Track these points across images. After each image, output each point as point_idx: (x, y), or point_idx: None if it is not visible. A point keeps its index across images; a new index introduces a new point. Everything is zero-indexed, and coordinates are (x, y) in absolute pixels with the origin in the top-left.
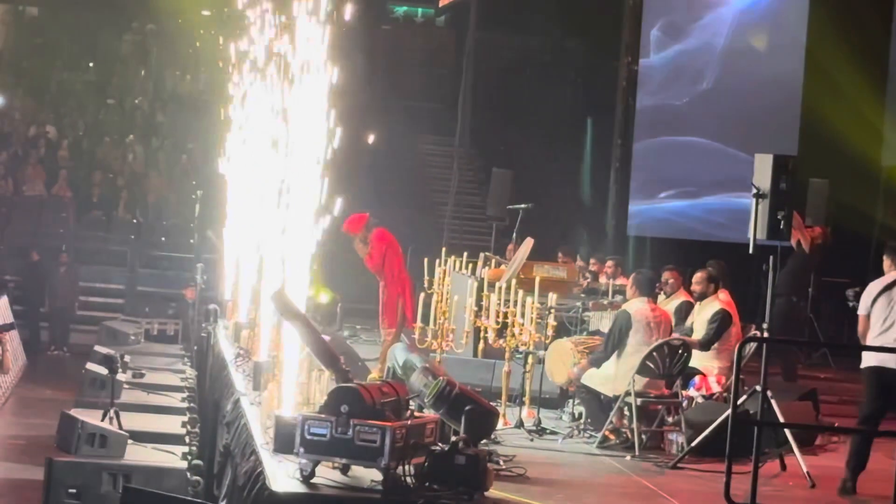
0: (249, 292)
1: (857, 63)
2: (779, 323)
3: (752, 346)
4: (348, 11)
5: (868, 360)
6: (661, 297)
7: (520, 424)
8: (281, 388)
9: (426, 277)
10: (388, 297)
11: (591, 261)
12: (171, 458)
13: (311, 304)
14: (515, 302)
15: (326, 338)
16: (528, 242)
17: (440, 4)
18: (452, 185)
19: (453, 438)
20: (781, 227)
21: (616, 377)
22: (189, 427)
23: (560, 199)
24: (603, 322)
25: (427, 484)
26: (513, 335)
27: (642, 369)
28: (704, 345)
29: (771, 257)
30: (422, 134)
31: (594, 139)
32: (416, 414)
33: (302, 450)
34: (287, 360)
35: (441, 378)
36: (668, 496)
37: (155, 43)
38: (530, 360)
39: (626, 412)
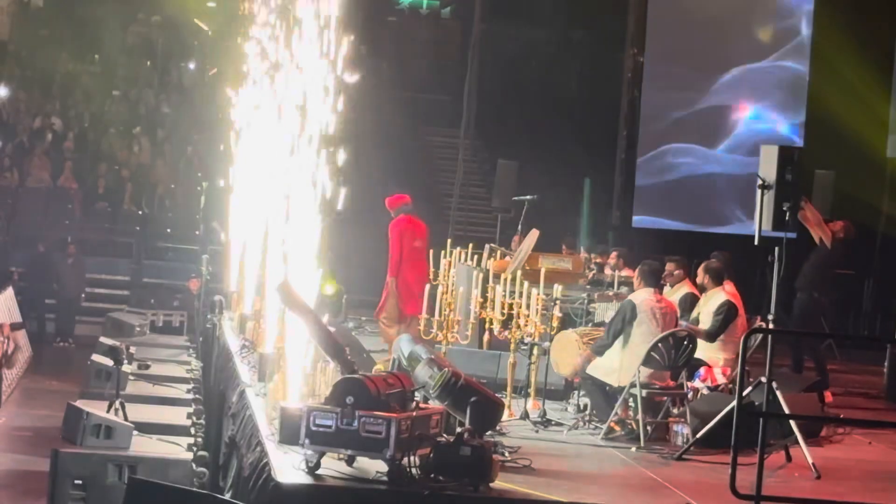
0: (255, 283)
1: (863, 54)
2: (798, 317)
3: (758, 337)
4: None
5: None
6: (667, 288)
7: (525, 416)
8: (286, 379)
9: (431, 269)
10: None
11: (592, 255)
12: (177, 449)
13: (316, 295)
14: (521, 293)
15: (332, 329)
16: (534, 234)
17: None
18: (458, 177)
19: (458, 430)
20: (787, 218)
21: (621, 368)
22: (194, 418)
23: (565, 190)
24: (608, 313)
25: (432, 475)
26: (518, 327)
27: (648, 360)
28: (710, 336)
29: (777, 248)
30: (427, 125)
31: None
32: (422, 405)
33: (307, 441)
34: (292, 351)
35: (446, 369)
36: (673, 487)
37: (160, 34)
38: (535, 351)
39: (632, 403)
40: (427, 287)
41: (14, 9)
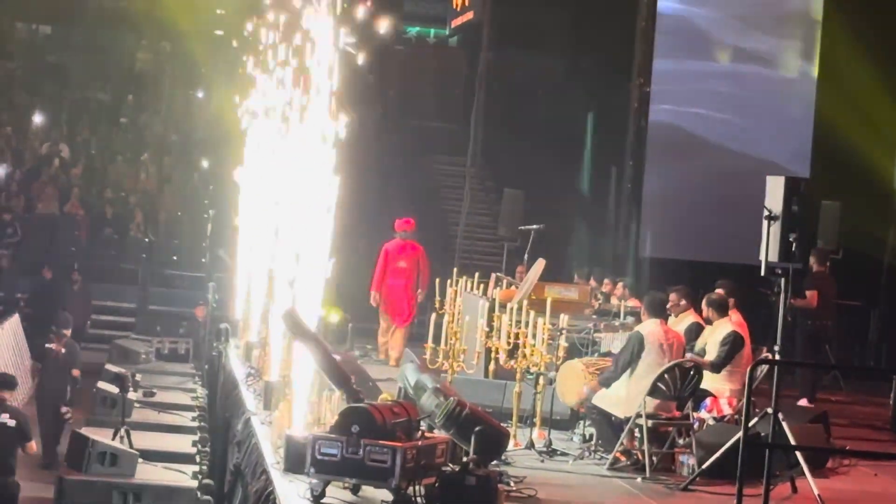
0: (260, 311)
1: (871, 84)
2: (801, 346)
3: (764, 368)
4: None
5: None
6: (671, 318)
7: (530, 445)
8: (292, 407)
9: (437, 298)
10: None
11: (605, 281)
12: (182, 477)
13: (321, 323)
14: (527, 323)
15: (337, 357)
16: (540, 263)
17: (453, 25)
18: (464, 205)
19: (464, 459)
20: (793, 249)
21: (627, 399)
22: (200, 446)
23: (572, 220)
24: (614, 343)
25: None
26: (524, 356)
27: (654, 391)
28: (716, 367)
29: (783, 279)
30: (434, 154)
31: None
32: (427, 434)
33: (312, 470)
34: (298, 379)
35: (452, 398)
36: None
37: (168, 62)
38: (541, 381)
39: (637, 434)
40: (433, 316)
41: (22, 36)
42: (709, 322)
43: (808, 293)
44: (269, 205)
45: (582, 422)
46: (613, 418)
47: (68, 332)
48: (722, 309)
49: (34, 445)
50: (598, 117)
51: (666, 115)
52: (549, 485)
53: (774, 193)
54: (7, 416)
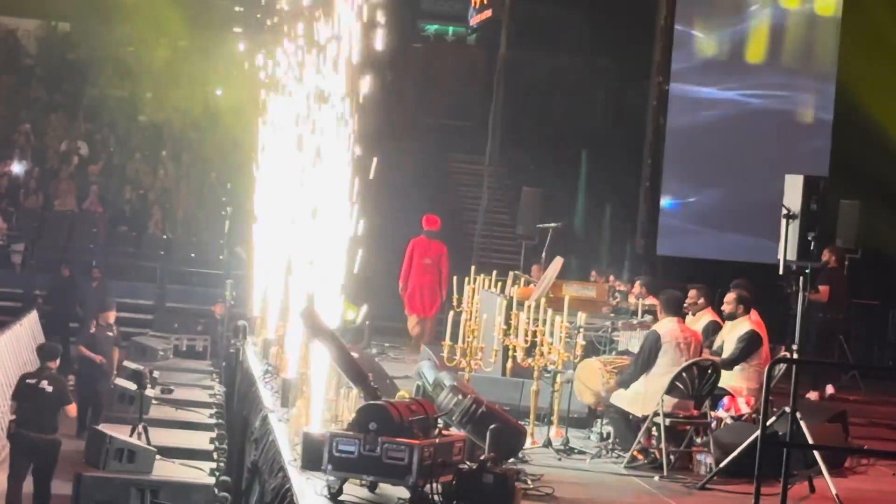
0: (278, 309)
1: (889, 82)
2: (816, 338)
3: (782, 366)
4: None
5: None
6: (689, 316)
7: (548, 444)
8: (309, 404)
9: (455, 296)
10: None
11: (616, 280)
12: (199, 473)
13: (339, 321)
14: (544, 321)
15: (355, 355)
16: (558, 261)
17: (471, 23)
18: (482, 204)
19: (482, 457)
20: (812, 248)
21: (645, 397)
22: (217, 443)
23: (590, 218)
24: (632, 342)
25: (455, 502)
26: (541, 354)
27: (671, 390)
28: (729, 364)
29: (801, 278)
30: (452, 152)
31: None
32: (445, 432)
33: (330, 467)
34: (315, 376)
35: (469, 396)
36: None
37: (187, 59)
38: (559, 379)
39: (655, 432)
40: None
41: (41, 33)
42: (732, 317)
43: (821, 288)
44: (287, 201)
45: (599, 420)
46: (631, 417)
47: (105, 315)
48: (745, 305)
49: (73, 409)
50: (616, 115)
51: (684, 114)
52: (566, 483)
53: (793, 192)
54: (46, 382)
